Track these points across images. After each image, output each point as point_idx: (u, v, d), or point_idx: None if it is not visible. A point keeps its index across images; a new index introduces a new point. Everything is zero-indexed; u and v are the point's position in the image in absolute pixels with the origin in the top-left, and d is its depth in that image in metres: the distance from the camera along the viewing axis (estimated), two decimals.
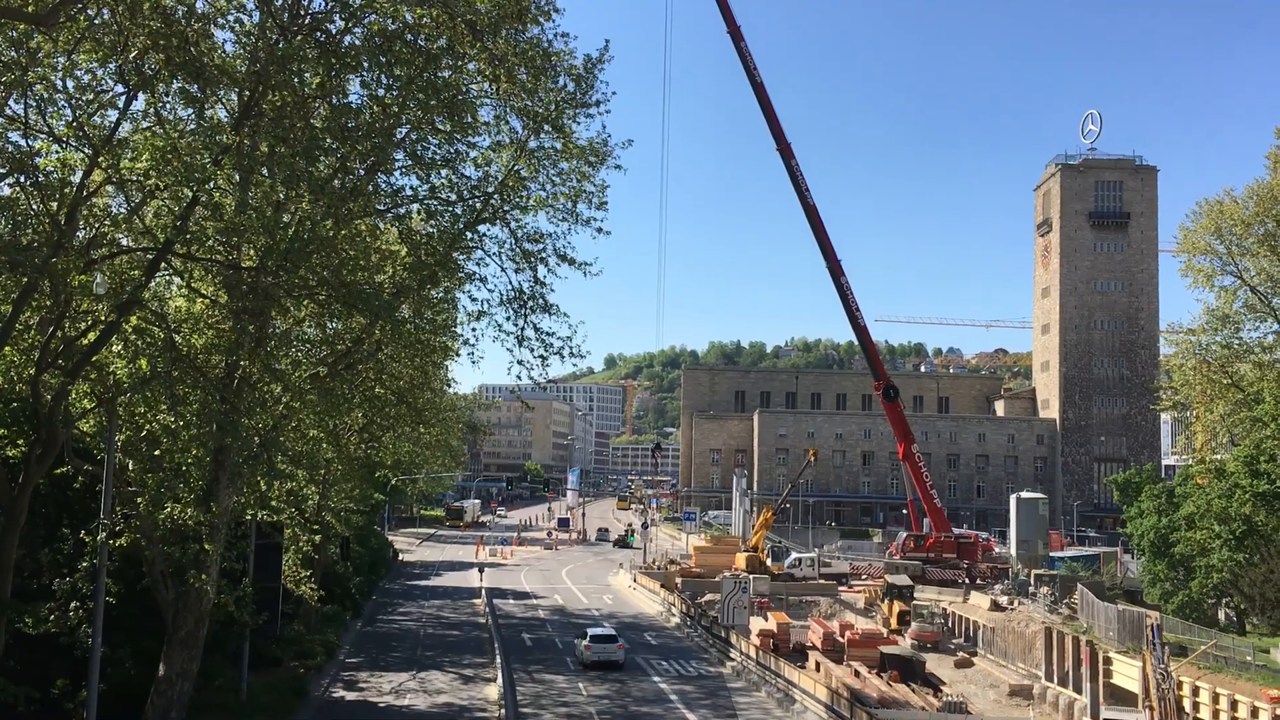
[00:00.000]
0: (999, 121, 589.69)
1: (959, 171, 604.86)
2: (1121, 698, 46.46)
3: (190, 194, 25.11)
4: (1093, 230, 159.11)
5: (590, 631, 56.34)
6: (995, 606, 67.87)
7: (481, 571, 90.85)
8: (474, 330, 36.29)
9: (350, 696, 45.52)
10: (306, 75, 26.82)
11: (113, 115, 25.97)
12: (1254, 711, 40.07)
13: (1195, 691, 43.60)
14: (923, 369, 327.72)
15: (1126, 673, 47.14)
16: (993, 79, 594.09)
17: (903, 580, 72.22)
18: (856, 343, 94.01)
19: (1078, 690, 49.85)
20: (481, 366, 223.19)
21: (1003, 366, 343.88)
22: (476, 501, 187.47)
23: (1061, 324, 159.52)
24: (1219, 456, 66.98)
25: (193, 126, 25.70)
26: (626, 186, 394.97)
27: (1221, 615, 67.08)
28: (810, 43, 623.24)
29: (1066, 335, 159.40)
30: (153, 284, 28.59)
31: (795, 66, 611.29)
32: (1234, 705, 41.31)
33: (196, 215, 26.16)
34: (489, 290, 34.25)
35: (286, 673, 46.36)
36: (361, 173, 29.82)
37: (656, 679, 50.93)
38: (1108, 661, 48.74)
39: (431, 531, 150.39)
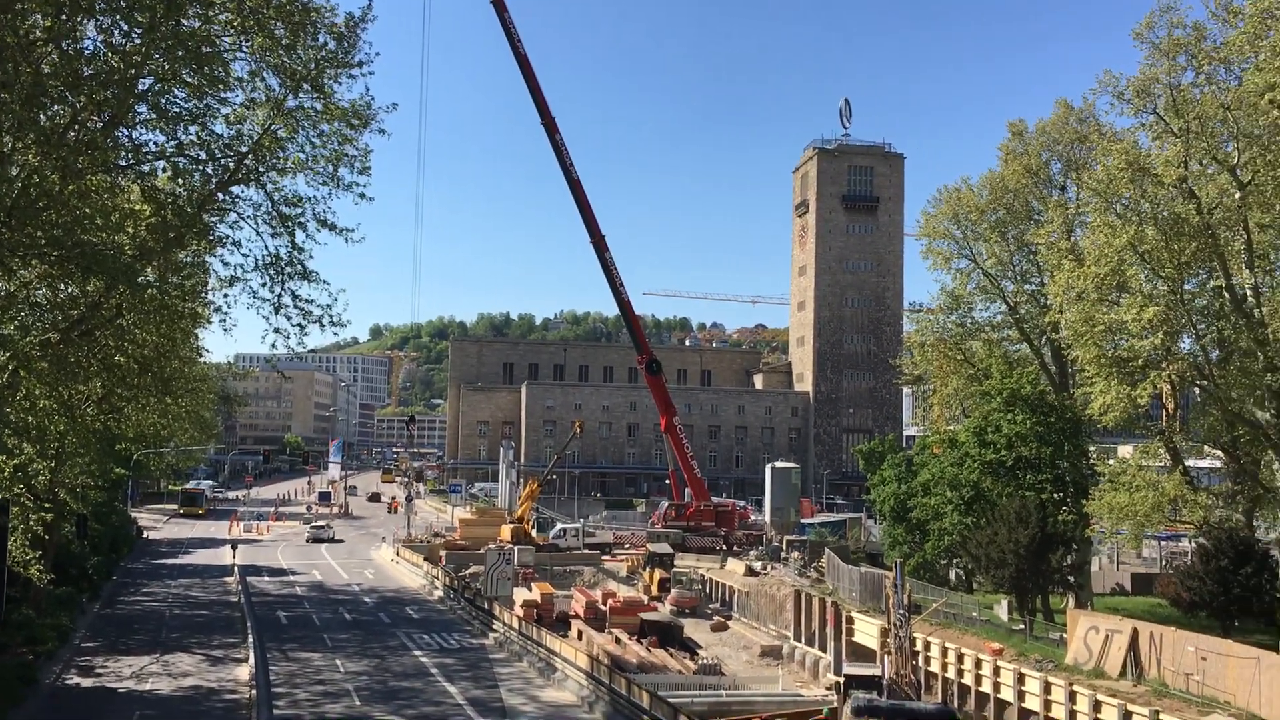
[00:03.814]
0: (763, 105, 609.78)
1: (725, 153, 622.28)
2: (863, 655, 49.34)
3: None
4: (845, 213, 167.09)
5: (311, 523, 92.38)
6: (750, 572, 70.71)
7: (235, 548, 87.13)
8: (226, 296, 34.91)
9: (86, 683, 42.81)
10: (36, 17, 24.75)
11: None
12: (978, 663, 43.50)
13: (927, 646, 46.88)
14: (687, 343, 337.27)
15: (867, 631, 50.15)
16: (758, 63, 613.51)
17: (664, 548, 74.19)
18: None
19: (823, 649, 52.59)
20: (235, 335, 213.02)
21: (762, 341, 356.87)
22: (208, 483, 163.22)
23: (816, 301, 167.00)
24: (952, 428, 72.15)
25: None
26: (394, 154, 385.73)
27: (952, 575, 72.02)
28: (575, 24, 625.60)
29: (820, 312, 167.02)
30: None
31: (562, 45, 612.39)
32: (960, 658, 44.71)
33: None
34: (244, 255, 32.97)
35: (12, 660, 43.00)
36: (99, 125, 27.80)
37: (418, 653, 50.38)
38: (850, 621, 51.66)
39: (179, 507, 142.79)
